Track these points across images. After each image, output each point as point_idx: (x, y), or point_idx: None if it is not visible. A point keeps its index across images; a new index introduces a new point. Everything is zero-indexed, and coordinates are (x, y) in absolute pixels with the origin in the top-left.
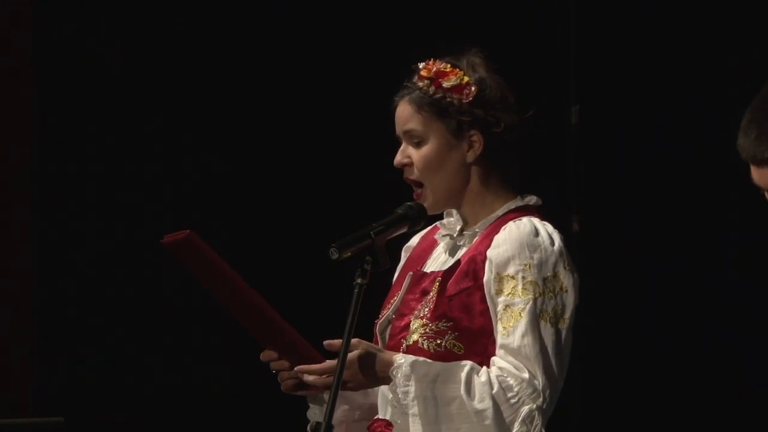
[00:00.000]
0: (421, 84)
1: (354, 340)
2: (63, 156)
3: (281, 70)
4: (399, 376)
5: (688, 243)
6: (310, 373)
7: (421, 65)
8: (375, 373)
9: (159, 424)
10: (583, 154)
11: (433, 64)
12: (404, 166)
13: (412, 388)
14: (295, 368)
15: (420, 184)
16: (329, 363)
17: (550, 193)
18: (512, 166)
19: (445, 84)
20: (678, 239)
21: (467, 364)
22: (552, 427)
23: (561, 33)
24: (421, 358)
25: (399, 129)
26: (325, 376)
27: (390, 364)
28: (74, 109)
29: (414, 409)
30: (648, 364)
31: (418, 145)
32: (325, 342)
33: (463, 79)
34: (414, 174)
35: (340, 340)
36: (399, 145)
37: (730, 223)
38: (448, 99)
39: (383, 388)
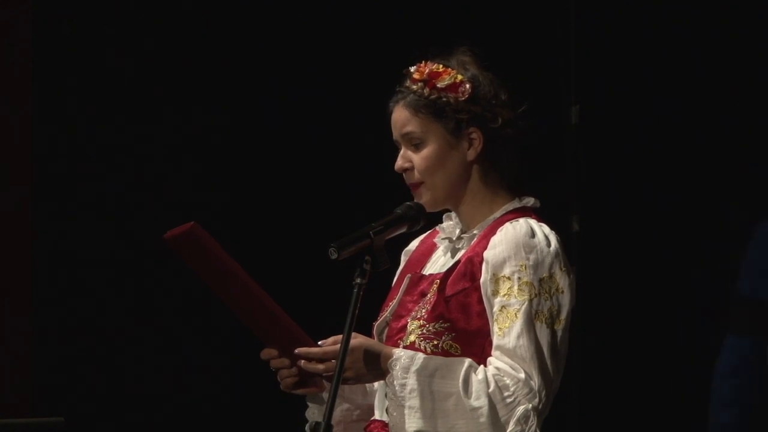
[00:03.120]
0: (414, 87)
1: (354, 334)
2: (63, 155)
3: (281, 70)
4: (397, 368)
5: (688, 243)
6: (309, 355)
7: (412, 68)
8: (375, 364)
9: (159, 425)
10: (583, 154)
11: (425, 65)
12: (405, 170)
13: (409, 381)
14: (296, 350)
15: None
16: (330, 347)
17: (550, 194)
18: (510, 164)
19: (440, 84)
20: (678, 239)
21: (466, 361)
22: (550, 427)
23: (561, 33)
24: (420, 353)
25: (396, 133)
26: (324, 365)
27: (389, 356)
28: (74, 109)
29: (410, 402)
30: (648, 364)
31: (417, 147)
32: (320, 342)
33: (456, 78)
34: (416, 177)
35: (333, 338)
36: (396, 148)
37: (731, 222)
38: (444, 99)
39: (380, 390)
